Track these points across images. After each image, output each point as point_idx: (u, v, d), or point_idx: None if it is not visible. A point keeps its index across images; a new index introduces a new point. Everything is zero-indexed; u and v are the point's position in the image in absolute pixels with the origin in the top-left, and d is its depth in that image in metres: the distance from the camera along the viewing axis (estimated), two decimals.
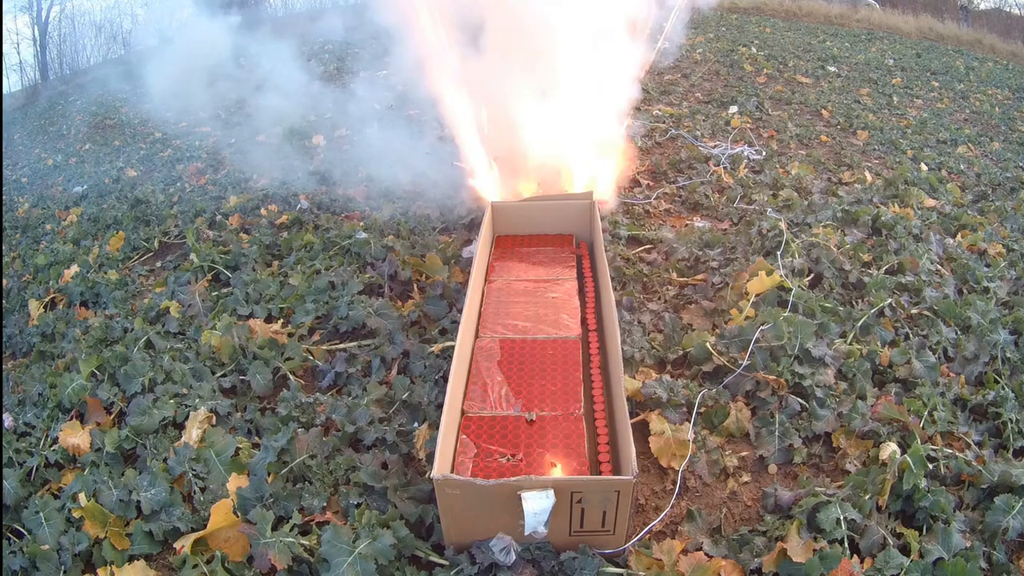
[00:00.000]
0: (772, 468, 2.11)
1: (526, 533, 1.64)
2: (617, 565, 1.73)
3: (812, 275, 3.02)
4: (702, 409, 2.25)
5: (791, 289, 2.72)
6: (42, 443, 2.32)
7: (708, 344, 2.45)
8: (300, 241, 3.59)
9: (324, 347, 2.72)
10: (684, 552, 1.76)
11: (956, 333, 2.67)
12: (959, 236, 3.69)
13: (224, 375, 2.56)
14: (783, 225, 3.26)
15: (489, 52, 3.32)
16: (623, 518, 1.66)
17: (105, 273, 3.69)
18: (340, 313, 2.81)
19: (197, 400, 2.35)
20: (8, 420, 2.44)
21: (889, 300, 2.77)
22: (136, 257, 4.02)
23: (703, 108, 6.49)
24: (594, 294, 2.75)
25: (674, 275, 3.16)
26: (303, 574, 1.73)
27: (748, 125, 5.87)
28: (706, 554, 1.76)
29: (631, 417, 1.99)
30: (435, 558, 1.76)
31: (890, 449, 1.95)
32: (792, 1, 15.38)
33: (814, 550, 1.68)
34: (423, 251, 3.27)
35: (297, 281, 3.13)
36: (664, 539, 1.81)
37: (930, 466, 1.97)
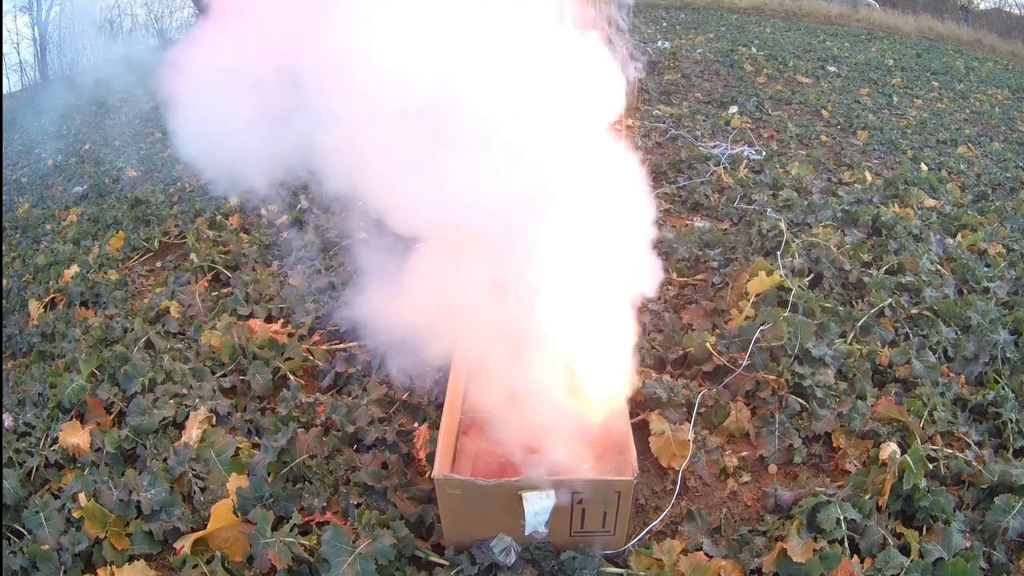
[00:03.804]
0: (772, 468, 2.11)
1: (527, 533, 1.64)
2: (617, 565, 1.73)
3: (812, 275, 3.02)
4: (702, 409, 2.25)
5: (791, 289, 2.72)
6: (42, 443, 2.32)
7: (708, 344, 2.45)
8: (300, 241, 3.59)
9: (324, 347, 2.72)
10: (684, 552, 1.76)
11: (956, 333, 2.67)
12: (959, 236, 3.69)
13: (224, 375, 2.55)
14: (783, 225, 3.26)
15: None
16: (623, 518, 1.66)
17: (105, 273, 3.69)
18: (340, 313, 2.81)
19: (197, 400, 2.35)
20: (8, 420, 2.44)
21: (889, 300, 2.76)
22: (136, 257, 4.02)
23: (703, 108, 6.49)
24: None
25: (674, 275, 3.16)
26: (303, 574, 1.73)
27: (748, 125, 5.87)
28: (706, 554, 1.76)
29: (631, 417, 1.99)
30: (435, 558, 1.76)
31: (890, 449, 1.95)
32: (792, 1, 15.38)
33: (814, 550, 1.68)
34: None
35: (297, 281, 3.13)
36: (664, 539, 1.81)
37: (930, 466, 1.97)
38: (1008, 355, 2.56)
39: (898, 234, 3.42)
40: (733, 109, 6.41)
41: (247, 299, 3.07)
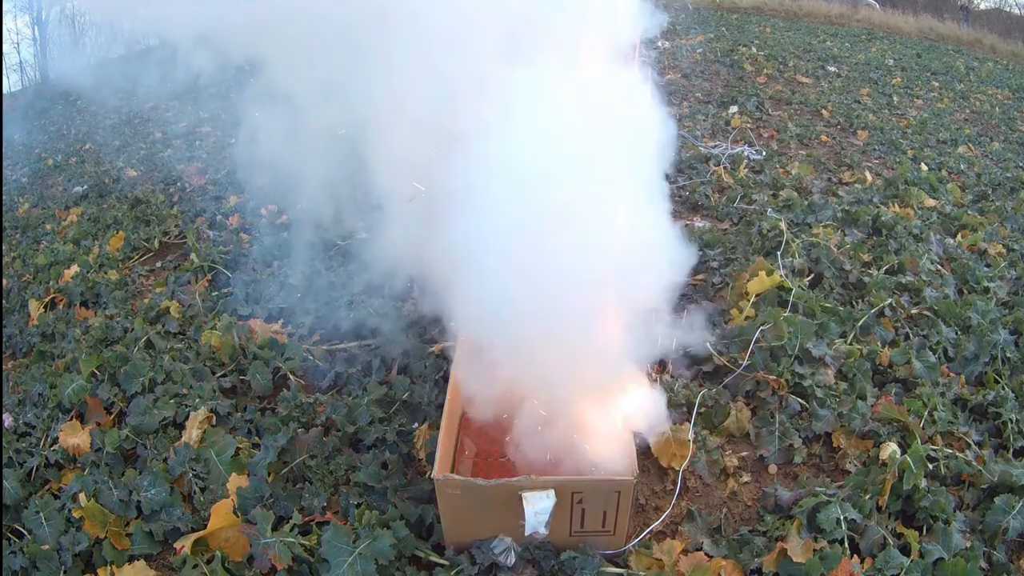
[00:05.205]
0: (772, 468, 2.11)
1: (527, 533, 1.64)
2: (617, 565, 1.73)
3: (812, 275, 3.02)
4: (702, 409, 2.25)
5: (791, 289, 2.72)
6: (42, 443, 2.32)
7: (708, 344, 2.45)
8: (300, 241, 3.59)
9: (324, 347, 2.72)
10: (684, 552, 1.76)
11: (956, 333, 2.67)
12: (959, 236, 3.69)
13: (224, 375, 2.55)
14: (783, 225, 3.26)
15: None
16: (623, 518, 1.66)
17: (105, 273, 3.69)
18: (340, 313, 2.81)
19: (197, 400, 2.35)
20: (8, 420, 2.44)
21: (889, 300, 2.76)
22: (136, 257, 4.02)
23: (703, 108, 6.48)
24: None
25: None
26: (303, 574, 1.73)
27: (748, 125, 5.87)
28: (706, 554, 1.76)
29: None
30: (435, 558, 1.76)
31: (890, 449, 1.95)
32: (792, 1, 15.37)
33: (814, 550, 1.68)
34: None
35: (297, 281, 3.13)
36: (664, 539, 1.81)
37: (930, 466, 1.98)
38: (1008, 355, 2.56)
39: (898, 234, 3.42)
40: (733, 109, 6.41)
41: (247, 299, 3.07)
